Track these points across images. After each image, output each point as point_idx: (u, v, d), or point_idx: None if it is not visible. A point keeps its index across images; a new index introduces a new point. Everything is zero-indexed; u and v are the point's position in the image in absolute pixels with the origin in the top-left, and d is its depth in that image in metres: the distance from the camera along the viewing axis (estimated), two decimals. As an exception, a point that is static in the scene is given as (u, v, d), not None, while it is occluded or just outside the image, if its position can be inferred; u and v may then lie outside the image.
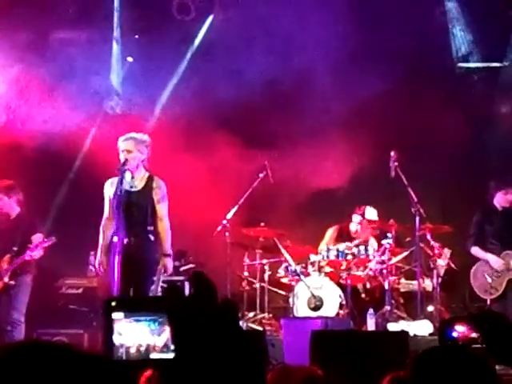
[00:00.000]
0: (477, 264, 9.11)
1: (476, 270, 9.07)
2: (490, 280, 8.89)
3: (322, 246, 9.91)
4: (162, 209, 7.71)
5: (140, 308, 4.10)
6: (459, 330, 2.43)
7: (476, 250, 9.13)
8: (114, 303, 4.03)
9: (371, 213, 10.06)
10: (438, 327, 2.39)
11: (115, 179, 7.60)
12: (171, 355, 3.75)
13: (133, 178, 7.65)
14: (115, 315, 3.93)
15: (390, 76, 10.00)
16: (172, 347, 3.76)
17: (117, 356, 3.69)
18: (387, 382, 2.50)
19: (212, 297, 3.18)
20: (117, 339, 3.92)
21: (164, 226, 7.69)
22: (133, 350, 3.93)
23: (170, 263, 7.65)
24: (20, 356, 1.45)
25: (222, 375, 2.53)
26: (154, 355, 3.94)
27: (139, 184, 7.73)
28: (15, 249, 8.73)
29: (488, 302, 8.90)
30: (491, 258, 9.00)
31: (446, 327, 2.51)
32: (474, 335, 2.32)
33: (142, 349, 3.95)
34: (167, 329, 3.85)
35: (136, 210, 7.61)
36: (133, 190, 7.66)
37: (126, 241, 7.38)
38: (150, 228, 7.65)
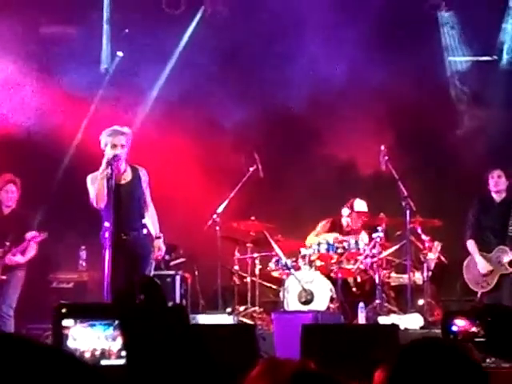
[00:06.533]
0: (470, 256, 9.02)
1: (469, 262, 9.00)
2: (482, 272, 8.85)
3: (312, 237, 9.92)
4: (148, 195, 7.76)
5: (91, 315, 4.02)
6: (459, 324, 2.44)
7: (470, 245, 8.97)
8: (64, 310, 3.97)
9: (360, 204, 10.05)
10: (441, 321, 2.38)
11: (97, 174, 7.47)
12: (123, 361, 3.71)
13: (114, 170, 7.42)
14: (65, 322, 3.87)
15: (382, 67, 10.03)
16: (124, 353, 3.72)
17: None
18: (380, 373, 2.49)
19: (161, 302, 3.16)
20: (71, 344, 3.86)
21: (152, 210, 7.77)
22: (87, 355, 3.87)
23: (162, 244, 7.73)
24: None
25: (173, 378, 2.52)
26: (104, 362, 3.87)
27: (127, 176, 7.64)
28: (8, 244, 8.72)
29: (479, 295, 8.89)
30: (479, 261, 8.84)
31: (446, 321, 2.51)
32: (473, 329, 2.32)
33: (97, 353, 3.89)
34: None
35: (129, 202, 7.54)
36: (122, 182, 7.56)
37: (122, 236, 7.37)
38: (144, 222, 7.64)
